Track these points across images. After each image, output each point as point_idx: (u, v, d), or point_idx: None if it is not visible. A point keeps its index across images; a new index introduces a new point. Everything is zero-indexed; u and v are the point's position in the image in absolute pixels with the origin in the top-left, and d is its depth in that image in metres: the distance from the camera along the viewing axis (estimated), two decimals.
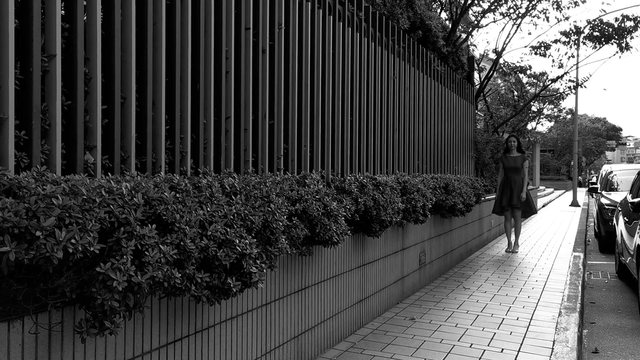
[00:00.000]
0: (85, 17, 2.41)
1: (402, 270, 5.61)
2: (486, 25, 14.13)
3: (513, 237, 9.23)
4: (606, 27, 13.18)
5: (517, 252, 9.01)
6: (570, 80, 14.69)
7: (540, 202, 21.93)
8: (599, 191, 12.24)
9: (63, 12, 2.34)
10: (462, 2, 11.54)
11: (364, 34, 5.10)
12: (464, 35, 12.62)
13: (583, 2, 12.81)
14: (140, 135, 2.70)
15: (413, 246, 5.94)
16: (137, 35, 2.68)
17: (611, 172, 12.92)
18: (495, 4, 12.43)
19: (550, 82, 15.32)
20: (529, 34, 28.77)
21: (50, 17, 2.22)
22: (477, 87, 13.21)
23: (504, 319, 4.96)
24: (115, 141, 2.53)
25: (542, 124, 33.84)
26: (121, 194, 2.03)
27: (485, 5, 12.72)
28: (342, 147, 4.63)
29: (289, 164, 3.91)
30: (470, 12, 13.13)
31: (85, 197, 1.87)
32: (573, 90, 15.18)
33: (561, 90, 15.84)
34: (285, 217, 2.97)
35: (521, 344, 4.25)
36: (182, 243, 2.19)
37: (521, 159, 8.99)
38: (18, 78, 2.13)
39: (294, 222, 3.19)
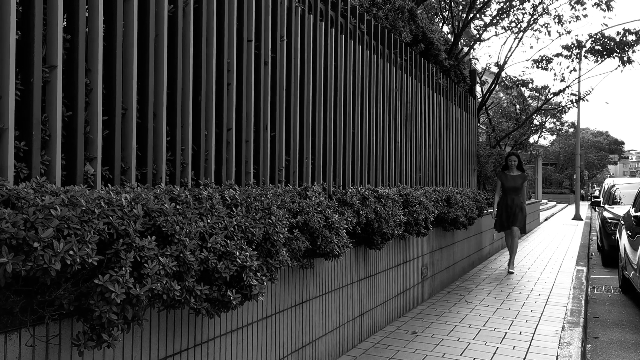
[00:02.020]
0: (87, 29, 2.41)
1: (404, 283, 5.57)
2: (488, 38, 14.19)
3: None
4: (608, 41, 13.22)
5: (512, 272, 8.32)
6: (572, 94, 14.72)
7: (542, 216, 21.87)
8: (601, 205, 12.19)
9: (65, 23, 2.35)
10: (464, 16, 11.59)
11: (366, 47, 5.11)
12: (466, 49, 12.67)
13: (584, 16, 12.88)
14: (141, 146, 2.70)
15: (415, 259, 5.91)
16: (138, 47, 2.68)
17: (614, 185, 12.88)
18: (497, 17, 12.51)
19: (552, 95, 15.35)
20: (531, 47, 28.99)
21: (52, 28, 2.23)
22: (479, 100, 13.23)
23: (506, 333, 4.91)
24: (116, 152, 2.52)
25: (544, 138, 33.88)
26: (121, 205, 2.01)
27: (487, 19, 12.81)
28: (343, 159, 4.62)
29: (291, 176, 3.90)
30: (472, 25, 13.20)
31: (84, 208, 1.86)
32: (575, 104, 15.20)
33: (563, 104, 15.87)
34: (286, 229, 2.95)
35: (524, 359, 4.21)
36: (181, 255, 2.17)
37: (521, 178, 8.51)
38: (19, 89, 2.13)
39: (295, 234, 3.17)
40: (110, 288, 1.85)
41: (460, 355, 4.27)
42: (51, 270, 1.68)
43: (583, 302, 6.25)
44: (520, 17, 12.77)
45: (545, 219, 21.61)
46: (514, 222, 8.38)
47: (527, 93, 18.93)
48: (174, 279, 2.16)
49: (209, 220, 2.44)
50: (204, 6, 3.06)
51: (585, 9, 12.58)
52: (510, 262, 8.50)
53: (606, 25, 13.65)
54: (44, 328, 1.97)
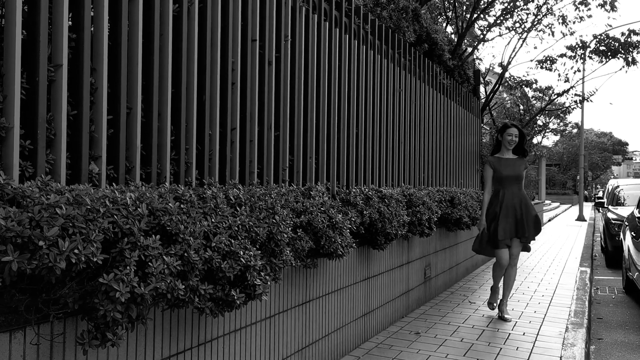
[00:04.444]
0: (92, 28, 2.42)
1: (407, 283, 5.56)
2: (492, 39, 14.19)
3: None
4: (612, 42, 13.20)
5: (508, 318, 5.37)
6: (576, 95, 14.69)
7: (546, 217, 21.82)
8: (605, 206, 12.17)
9: (70, 22, 2.35)
10: (468, 16, 11.57)
11: (370, 47, 5.11)
12: (469, 49, 12.64)
13: (589, 17, 12.86)
14: (145, 145, 2.70)
15: (418, 259, 5.90)
16: (143, 46, 2.68)
17: (618, 186, 12.85)
18: (501, 18, 12.48)
19: (556, 96, 15.32)
20: (535, 48, 28.94)
21: (57, 27, 2.23)
22: (483, 100, 13.21)
23: (510, 334, 4.90)
24: (120, 151, 2.52)
25: (547, 138, 33.82)
26: (125, 204, 2.02)
27: (491, 20, 12.78)
28: (347, 159, 4.62)
29: (294, 176, 3.90)
30: (476, 26, 13.18)
31: (89, 207, 1.86)
32: (579, 105, 15.18)
33: (567, 105, 15.84)
34: (290, 229, 2.95)
35: None
36: (186, 254, 2.17)
37: (523, 164, 5.60)
38: (24, 87, 2.14)
39: (299, 234, 3.17)
40: (115, 287, 1.85)
41: (464, 355, 4.26)
42: (56, 269, 1.68)
43: (587, 303, 6.24)
44: (524, 17, 12.75)
45: (549, 220, 21.57)
46: (522, 231, 5.38)
47: (530, 93, 18.91)
48: (178, 278, 2.17)
49: (213, 220, 2.44)
50: (208, 6, 3.06)
51: (589, 9, 12.55)
52: (504, 303, 5.51)
53: (610, 25, 13.63)
54: (48, 326, 1.97)
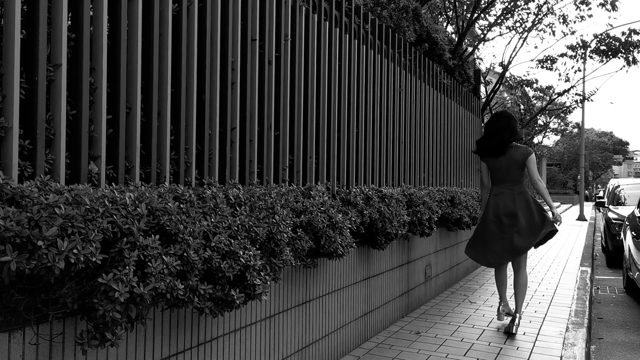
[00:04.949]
0: (91, 28, 2.41)
1: (407, 283, 5.56)
2: (492, 38, 14.17)
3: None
4: (613, 41, 13.20)
5: (515, 333, 4.82)
6: (576, 94, 14.69)
7: None
8: (606, 205, 12.15)
9: (69, 22, 2.35)
10: (469, 15, 11.57)
11: (370, 46, 5.10)
12: (470, 49, 12.64)
13: (589, 16, 12.87)
14: (145, 145, 2.69)
15: (419, 259, 5.90)
16: (143, 46, 2.68)
17: (618, 186, 12.84)
18: (502, 17, 12.48)
19: (556, 95, 15.33)
20: (536, 47, 28.89)
21: (57, 27, 2.23)
22: (484, 100, 13.20)
23: (510, 333, 4.89)
24: (120, 151, 2.52)
25: (548, 138, 33.77)
26: (125, 204, 2.01)
27: (492, 19, 12.78)
28: (347, 159, 4.61)
29: (294, 176, 3.90)
30: (477, 25, 13.18)
31: (88, 207, 1.86)
32: (579, 104, 15.17)
33: (568, 104, 15.84)
34: (289, 228, 2.95)
35: None
36: (185, 254, 2.17)
37: None
38: (23, 87, 2.13)
39: (299, 233, 3.17)
40: (114, 287, 1.85)
41: (464, 355, 4.25)
42: (55, 269, 1.68)
43: (587, 302, 6.23)
44: (524, 17, 12.75)
45: None
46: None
47: (531, 93, 18.90)
48: (177, 278, 2.16)
49: (212, 220, 2.44)
50: (208, 5, 3.06)
51: (590, 9, 12.56)
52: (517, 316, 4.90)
53: (611, 25, 13.63)
54: (47, 327, 1.97)
